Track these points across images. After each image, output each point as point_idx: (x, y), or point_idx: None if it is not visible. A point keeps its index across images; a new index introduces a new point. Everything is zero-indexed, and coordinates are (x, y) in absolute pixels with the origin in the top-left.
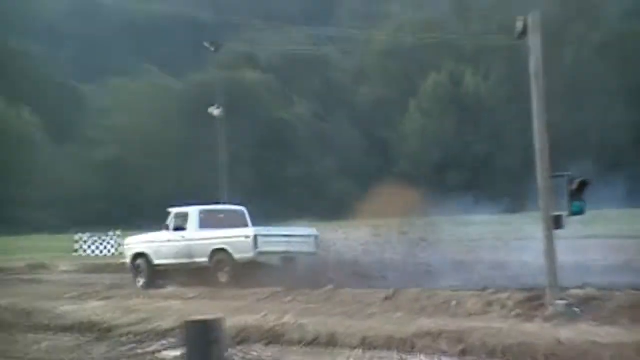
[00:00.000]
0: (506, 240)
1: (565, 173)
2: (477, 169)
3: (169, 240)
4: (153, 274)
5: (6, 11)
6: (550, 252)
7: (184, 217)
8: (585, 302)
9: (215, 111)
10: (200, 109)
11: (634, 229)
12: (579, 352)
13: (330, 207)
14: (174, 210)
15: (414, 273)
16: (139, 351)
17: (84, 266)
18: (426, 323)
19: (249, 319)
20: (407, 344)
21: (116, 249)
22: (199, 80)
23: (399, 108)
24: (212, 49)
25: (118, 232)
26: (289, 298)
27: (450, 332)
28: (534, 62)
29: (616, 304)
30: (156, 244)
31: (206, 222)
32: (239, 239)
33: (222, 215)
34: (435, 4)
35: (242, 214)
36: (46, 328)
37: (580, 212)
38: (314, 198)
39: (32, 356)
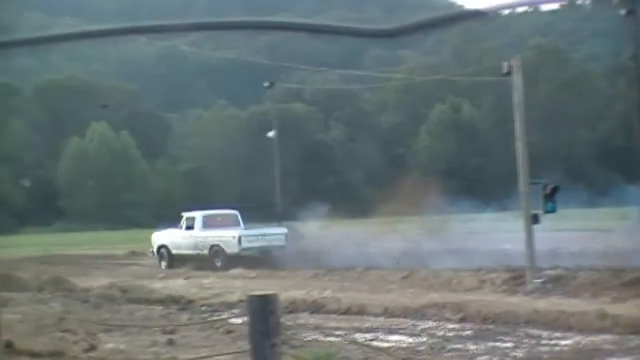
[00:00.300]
0: (495, 233)
1: (541, 181)
2: (472, 178)
3: (182, 237)
4: (171, 260)
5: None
6: (529, 241)
7: (193, 219)
8: (557, 280)
9: (271, 134)
10: (259, 133)
11: (593, 225)
12: (551, 319)
13: (359, 209)
14: (185, 215)
15: (422, 258)
16: (214, 318)
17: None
18: (434, 297)
19: (297, 294)
20: (419, 313)
21: None
22: (258, 111)
23: (412, 131)
24: (269, 87)
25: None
26: (328, 278)
27: (452, 304)
28: (517, 95)
29: (580, 281)
30: (174, 239)
31: (208, 223)
32: (228, 237)
33: (220, 218)
34: (439, 51)
35: (236, 216)
36: (141, 301)
37: (553, 211)
38: (346, 201)
39: (131, 322)
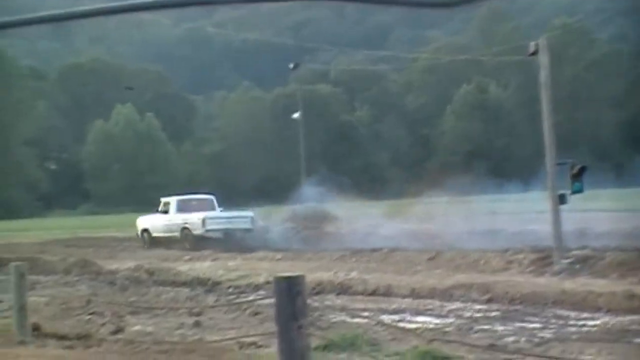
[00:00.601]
0: (521, 213)
1: (568, 161)
2: (498, 158)
3: (159, 220)
4: (152, 241)
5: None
6: (556, 221)
7: (168, 204)
8: (584, 261)
9: (295, 115)
10: (284, 115)
11: (620, 205)
12: (578, 299)
13: (384, 190)
14: (163, 199)
15: (448, 239)
16: (240, 300)
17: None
18: (461, 277)
19: (323, 275)
20: (445, 294)
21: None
22: (283, 92)
23: (437, 111)
24: (293, 68)
25: (221, 209)
26: (354, 259)
27: (479, 285)
28: (544, 75)
29: (608, 261)
30: (154, 222)
31: (182, 207)
32: (194, 220)
33: (195, 202)
34: (465, 30)
35: (211, 201)
36: (167, 283)
37: (579, 191)
38: (372, 182)
39: (159, 304)
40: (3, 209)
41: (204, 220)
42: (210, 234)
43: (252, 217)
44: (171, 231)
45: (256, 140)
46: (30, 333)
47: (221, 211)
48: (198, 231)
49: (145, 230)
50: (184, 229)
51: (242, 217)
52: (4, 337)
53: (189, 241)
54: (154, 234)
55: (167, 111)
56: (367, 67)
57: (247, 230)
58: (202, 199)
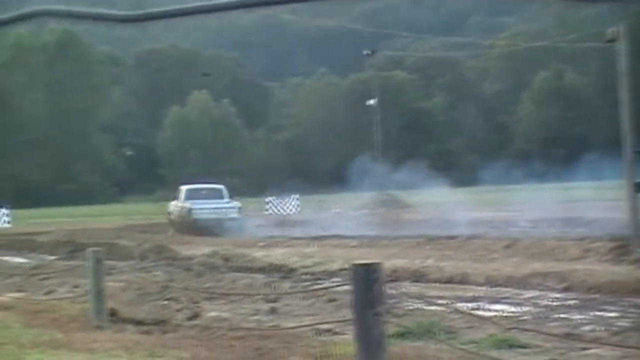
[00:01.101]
0: (598, 201)
1: None
2: (575, 145)
3: (174, 207)
4: (174, 225)
5: (202, 23)
6: (633, 210)
7: (181, 192)
8: None
9: (371, 102)
10: (359, 101)
11: None
12: None
13: (460, 177)
14: (179, 188)
15: (524, 226)
16: (317, 286)
17: (270, 222)
18: (537, 266)
19: (399, 263)
20: (522, 282)
21: (296, 209)
22: (359, 79)
23: (514, 98)
24: (369, 54)
25: (297, 196)
26: (430, 246)
27: (556, 273)
28: (623, 62)
29: None
30: (172, 208)
31: (191, 196)
32: (187, 208)
33: (204, 192)
34: (541, 17)
35: (220, 190)
36: (243, 269)
37: None
38: (447, 169)
39: (234, 290)
40: (80, 195)
41: (190, 210)
42: (199, 223)
43: (239, 207)
44: (180, 217)
45: (331, 127)
46: (108, 318)
47: (227, 202)
48: (186, 218)
49: (170, 214)
50: (181, 215)
51: (229, 208)
52: (81, 322)
53: (185, 226)
54: (171, 218)
55: (243, 98)
56: (443, 54)
57: (234, 220)
58: (211, 189)
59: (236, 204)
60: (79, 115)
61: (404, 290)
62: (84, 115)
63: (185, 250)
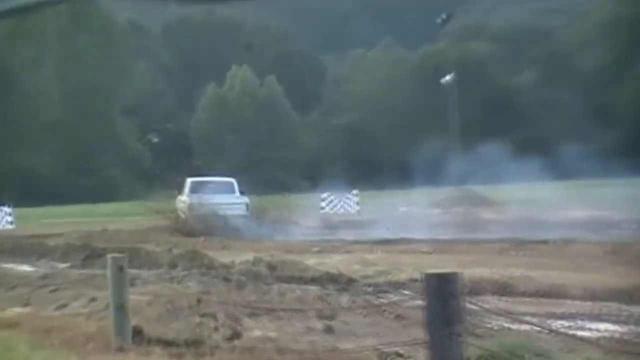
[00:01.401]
0: None
1: None
2: None
3: (180, 201)
4: (179, 224)
5: None
6: None
7: (185, 185)
8: None
9: (446, 79)
10: (433, 78)
11: None
12: None
13: (553, 168)
14: (185, 180)
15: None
16: (382, 300)
17: (326, 223)
18: None
19: (481, 272)
20: (628, 296)
21: (356, 208)
22: (431, 51)
23: (619, 74)
24: (444, 22)
25: (356, 192)
26: (517, 252)
27: None
28: None
29: None
30: (178, 203)
31: (196, 189)
32: (186, 204)
33: (212, 185)
34: None
35: (231, 184)
36: (293, 280)
37: None
38: (538, 159)
39: (283, 305)
40: (98, 190)
41: (190, 205)
42: (196, 218)
43: (247, 204)
44: (182, 212)
45: (398, 109)
46: (131, 338)
47: (237, 197)
48: (186, 214)
49: (177, 211)
50: (183, 212)
51: (235, 204)
52: (100, 342)
53: (185, 224)
54: (180, 213)
55: (292, 74)
56: (532, 21)
57: (241, 217)
58: (220, 182)
59: (244, 199)
60: (97, 96)
61: (486, 305)
62: (103, 95)
63: (223, 257)
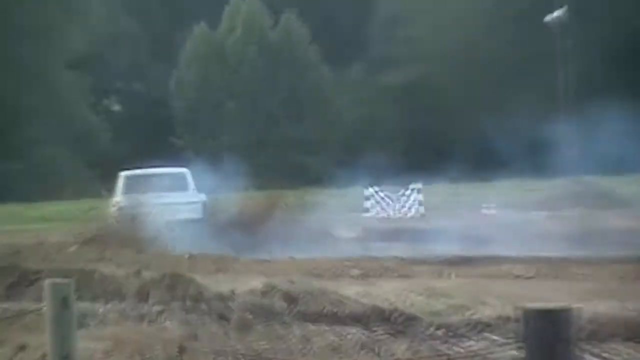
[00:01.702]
0: None
1: None
2: None
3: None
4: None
5: None
6: None
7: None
8: None
9: (554, 14)
10: (530, 15)
11: None
12: None
13: None
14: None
15: None
16: (456, 349)
17: (371, 231)
18: None
19: (606, 307)
20: None
21: (417, 209)
22: None
23: None
24: None
25: (418, 186)
26: None
27: None
28: None
29: None
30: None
31: (132, 187)
32: (113, 204)
33: (154, 179)
34: None
35: (182, 176)
36: (322, 317)
37: None
38: None
39: (308, 357)
40: (32, 182)
41: (119, 208)
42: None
43: (203, 202)
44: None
45: (479, 62)
46: None
47: (191, 194)
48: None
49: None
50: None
51: (187, 203)
52: None
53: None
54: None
55: (321, 9)
56: None
57: (194, 220)
58: (165, 175)
59: (201, 197)
60: (32, 43)
61: (607, 354)
62: (40, 42)
63: (218, 284)
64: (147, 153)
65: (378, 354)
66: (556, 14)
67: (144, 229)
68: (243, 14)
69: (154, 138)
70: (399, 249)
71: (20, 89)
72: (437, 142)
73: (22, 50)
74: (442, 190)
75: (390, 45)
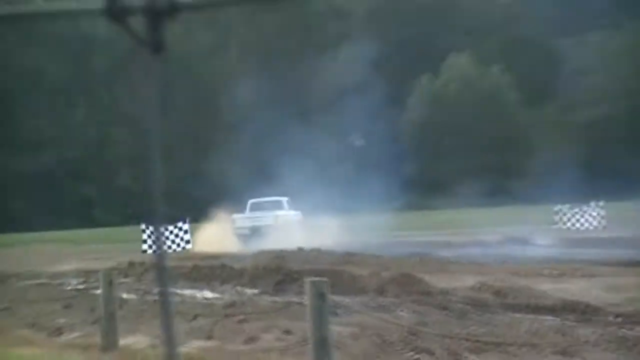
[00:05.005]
0: None
1: None
2: None
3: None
4: None
5: None
6: None
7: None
8: None
9: None
10: None
11: None
12: None
13: None
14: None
15: None
16: (631, 333)
17: (561, 240)
18: None
19: None
20: None
21: (600, 222)
22: None
23: None
24: None
25: (600, 203)
26: None
27: None
28: None
29: None
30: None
31: (253, 208)
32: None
33: (266, 204)
34: None
35: (280, 203)
36: (524, 308)
37: None
38: None
39: (513, 338)
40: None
41: (234, 220)
42: (238, 231)
43: (275, 216)
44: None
45: None
46: None
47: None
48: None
49: None
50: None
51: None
52: None
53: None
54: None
55: (522, 63)
56: None
57: (269, 227)
58: (273, 201)
59: (277, 213)
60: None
61: None
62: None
63: (440, 282)
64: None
65: (566, 336)
66: None
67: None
68: (458, 67)
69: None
70: (585, 253)
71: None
72: (612, 167)
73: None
74: (621, 208)
75: (578, 90)
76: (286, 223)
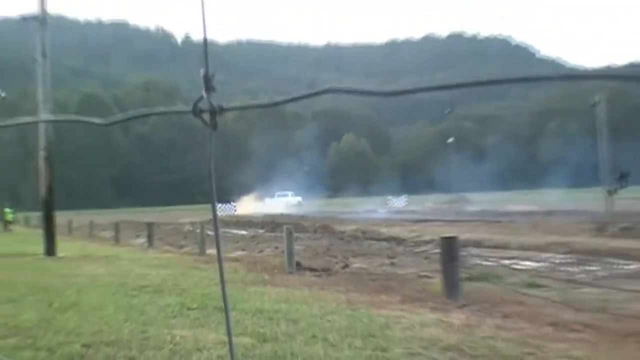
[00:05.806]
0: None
1: None
2: None
3: None
4: None
5: None
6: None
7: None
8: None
9: None
10: None
11: None
12: (623, 252)
13: None
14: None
15: None
16: (418, 250)
17: (389, 211)
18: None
19: (467, 236)
20: (541, 248)
21: (405, 204)
22: None
23: None
24: None
25: (405, 196)
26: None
27: (562, 243)
28: None
29: None
30: None
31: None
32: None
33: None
34: None
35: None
36: (374, 239)
37: None
38: None
39: (369, 251)
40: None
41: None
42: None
43: (299, 201)
44: None
45: None
46: (295, 268)
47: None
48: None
49: None
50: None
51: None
52: (280, 269)
53: None
54: None
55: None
56: None
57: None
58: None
59: (298, 198)
60: None
61: (471, 252)
62: None
63: (340, 228)
64: None
65: (392, 251)
66: None
67: None
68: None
69: None
70: (399, 217)
71: None
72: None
73: None
74: (419, 198)
75: None
76: (289, 202)
